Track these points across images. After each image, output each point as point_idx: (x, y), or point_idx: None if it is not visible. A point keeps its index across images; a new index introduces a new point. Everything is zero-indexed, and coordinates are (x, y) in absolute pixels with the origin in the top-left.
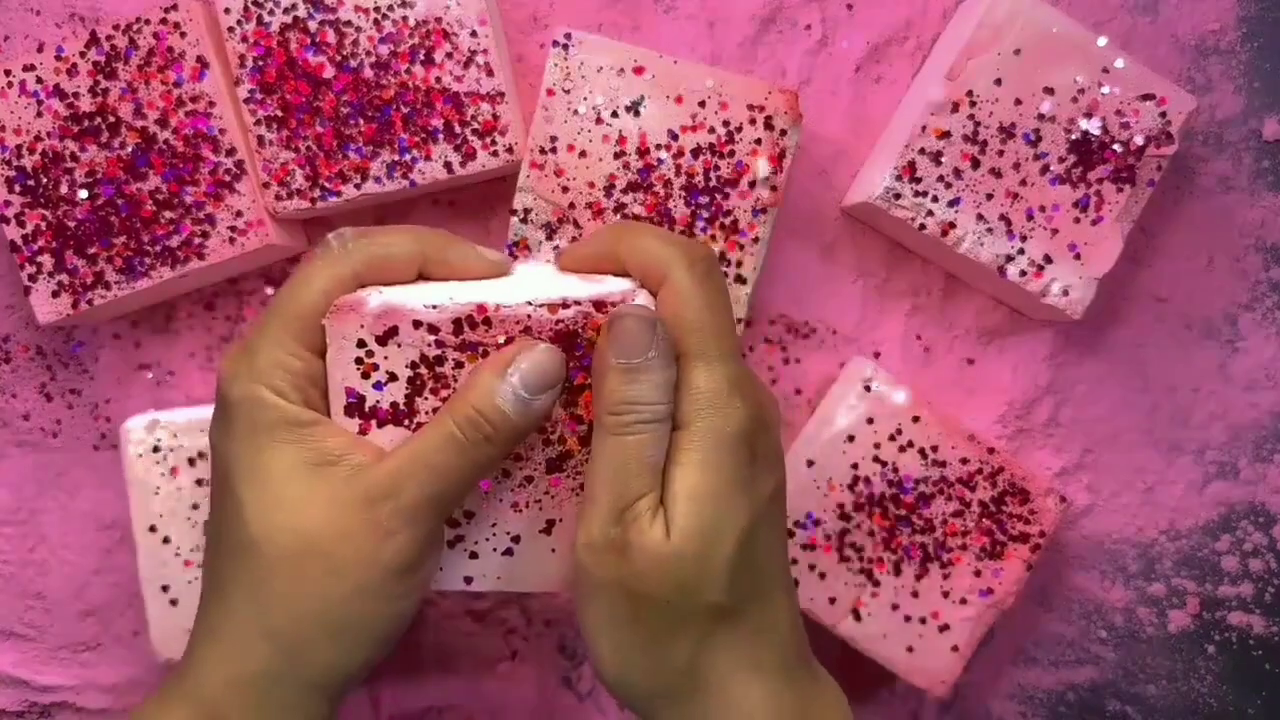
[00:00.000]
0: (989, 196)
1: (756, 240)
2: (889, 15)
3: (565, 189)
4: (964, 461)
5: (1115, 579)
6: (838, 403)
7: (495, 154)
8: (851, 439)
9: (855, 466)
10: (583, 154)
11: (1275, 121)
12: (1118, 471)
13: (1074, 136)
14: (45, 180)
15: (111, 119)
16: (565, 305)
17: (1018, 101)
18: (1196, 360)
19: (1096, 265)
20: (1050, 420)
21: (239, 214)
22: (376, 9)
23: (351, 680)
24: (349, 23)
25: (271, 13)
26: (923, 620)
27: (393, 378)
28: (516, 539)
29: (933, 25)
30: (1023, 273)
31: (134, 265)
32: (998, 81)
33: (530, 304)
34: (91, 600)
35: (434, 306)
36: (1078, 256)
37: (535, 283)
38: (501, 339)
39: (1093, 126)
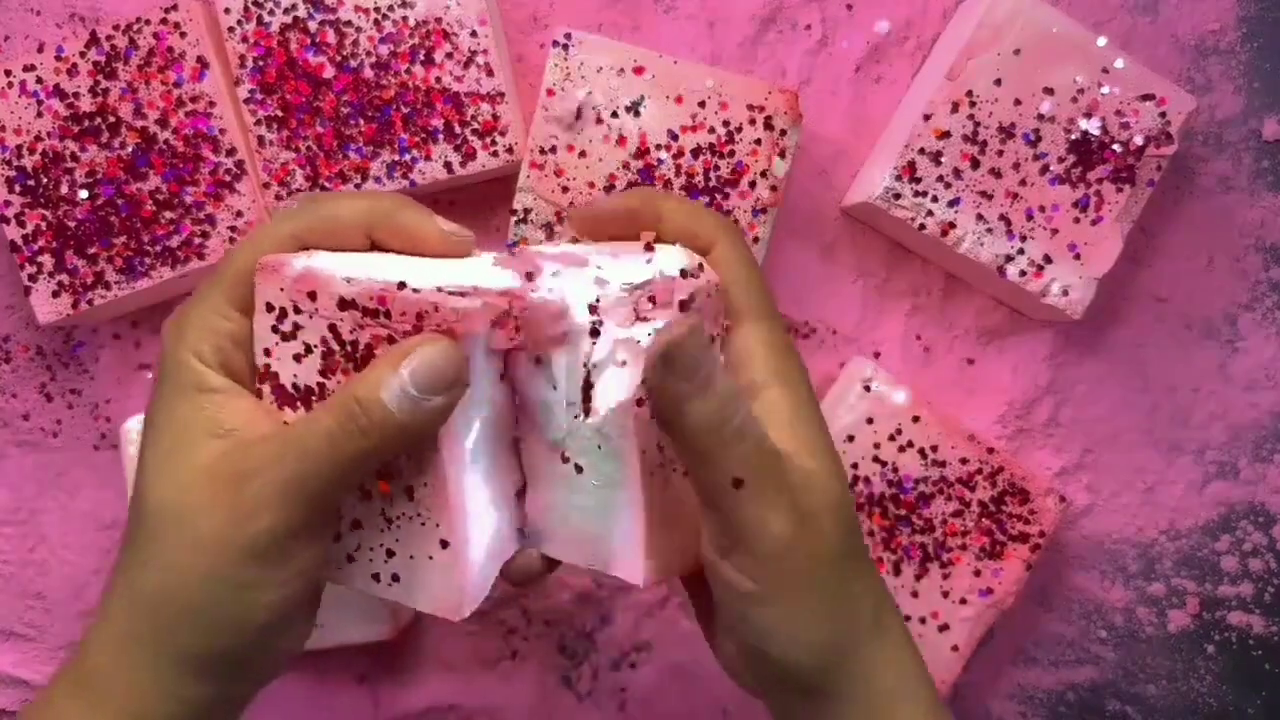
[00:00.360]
0: (989, 196)
1: (756, 240)
2: (889, 15)
3: (565, 189)
4: (964, 461)
5: (1115, 579)
6: (837, 403)
7: (495, 154)
8: (851, 439)
9: (855, 466)
10: (583, 154)
11: (1275, 121)
12: (1118, 471)
13: (1074, 136)
14: (45, 180)
15: (111, 119)
16: (472, 294)
17: (1017, 101)
18: (1196, 360)
19: (1096, 265)
20: (1050, 420)
21: (239, 214)
22: (376, 9)
23: (226, 668)
24: (349, 23)
25: (271, 13)
26: (922, 620)
27: (309, 350)
28: (412, 556)
29: (933, 25)
30: (1023, 273)
31: (134, 265)
32: (998, 81)
33: (439, 290)
34: (91, 600)
35: (349, 279)
36: (1077, 256)
37: (470, 265)
38: (409, 326)
39: (1092, 126)
